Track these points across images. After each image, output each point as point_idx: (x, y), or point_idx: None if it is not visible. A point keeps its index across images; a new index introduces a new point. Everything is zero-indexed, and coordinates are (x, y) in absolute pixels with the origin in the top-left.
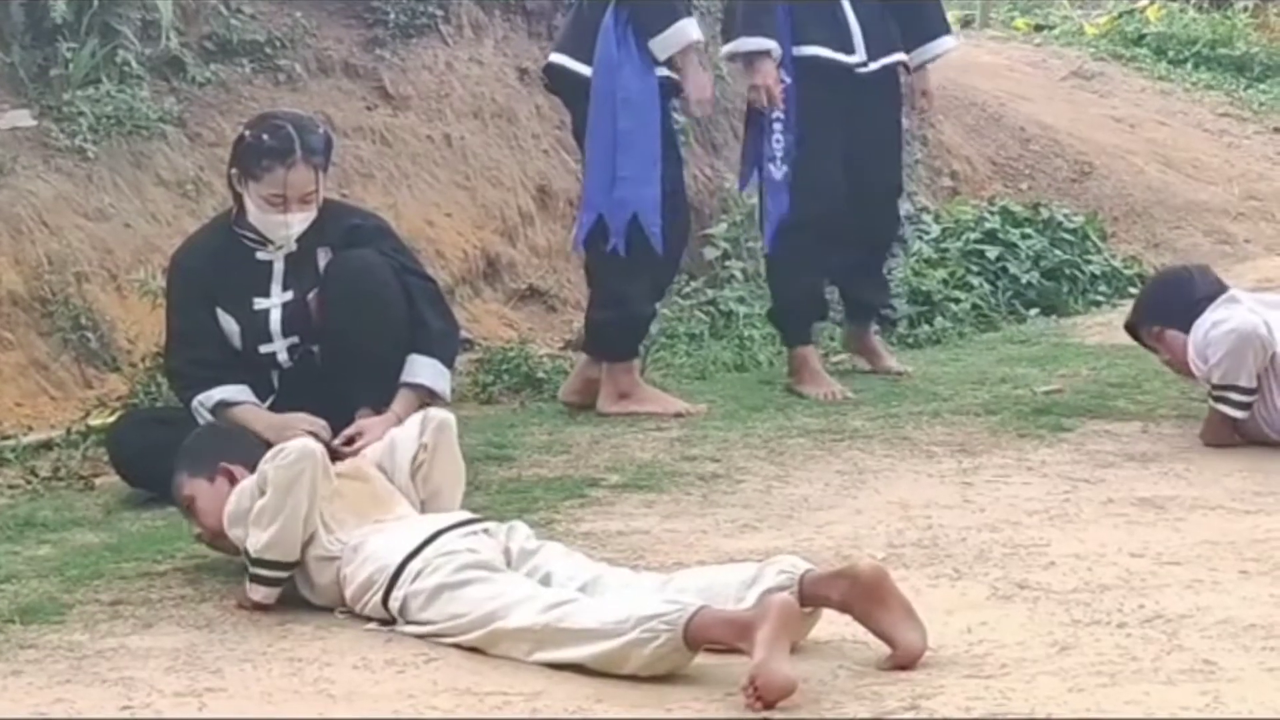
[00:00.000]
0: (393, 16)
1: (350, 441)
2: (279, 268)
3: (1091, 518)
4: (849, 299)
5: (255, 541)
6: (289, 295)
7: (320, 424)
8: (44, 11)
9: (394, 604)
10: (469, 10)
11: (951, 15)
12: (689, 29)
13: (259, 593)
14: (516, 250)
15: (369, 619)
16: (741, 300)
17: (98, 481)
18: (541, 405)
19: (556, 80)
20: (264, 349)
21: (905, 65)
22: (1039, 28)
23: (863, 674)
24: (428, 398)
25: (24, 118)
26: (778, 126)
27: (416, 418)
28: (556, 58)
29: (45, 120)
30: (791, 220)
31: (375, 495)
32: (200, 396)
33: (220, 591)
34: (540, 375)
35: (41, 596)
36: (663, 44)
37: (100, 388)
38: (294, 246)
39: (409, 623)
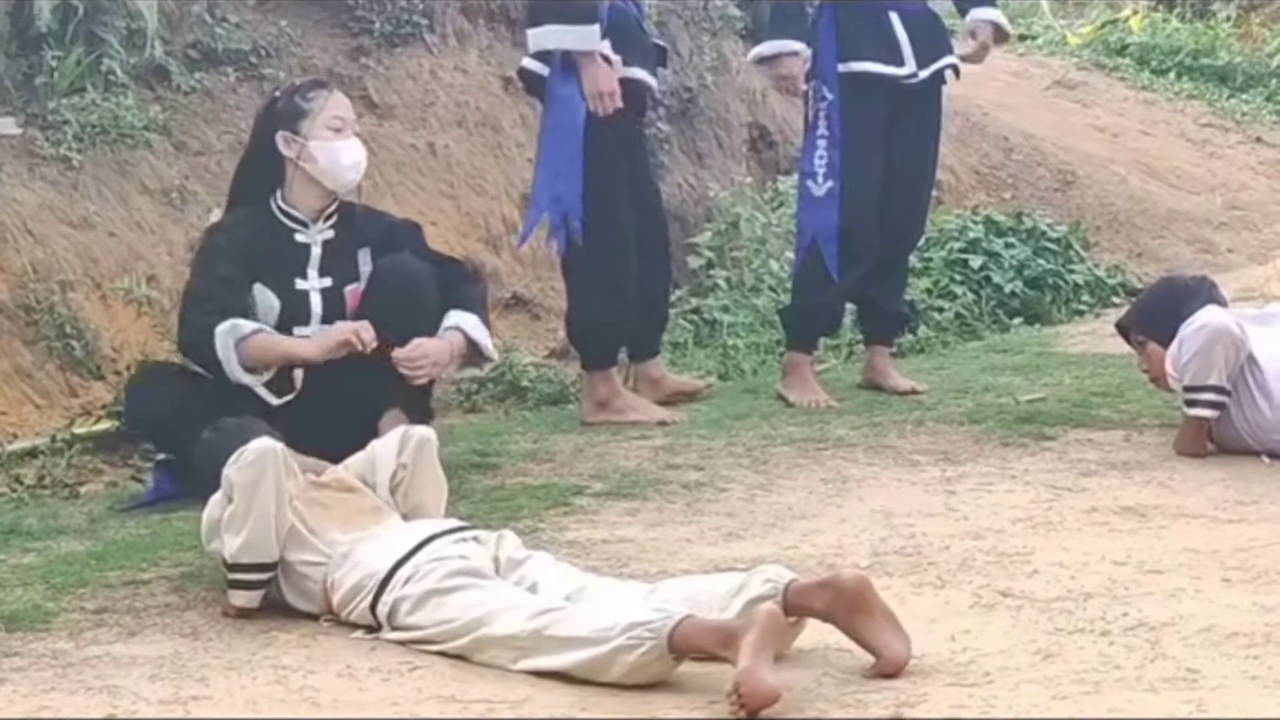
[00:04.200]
0: (377, 25)
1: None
2: (316, 252)
3: (1075, 526)
4: (865, 312)
5: (230, 547)
6: (327, 282)
7: (364, 324)
8: (29, 20)
9: (382, 609)
10: (453, 19)
11: None
12: (543, 37)
13: (240, 598)
14: (501, 259)
15: (355, 626)
16: (725, 309)
17: (83, 489)
18: (526, 414)
19: (529, 83)
20: (299, 331)
21: (955, 69)
22: (1022, 37)
23: (847, 682)
24: (471, 349)
25: (9, 126)
26: (822, 143)
27: (396, 434)
28: (526, 62)
29: (30, 128)
30: (832, 234)
31: (362, 507)
32: (226, 324)
33: (205, 599)
34: (524, 384)
35: (26, 604)
36: (534, 39)
37: (85, 396)
38: (331, 234)
39: (395, 628)
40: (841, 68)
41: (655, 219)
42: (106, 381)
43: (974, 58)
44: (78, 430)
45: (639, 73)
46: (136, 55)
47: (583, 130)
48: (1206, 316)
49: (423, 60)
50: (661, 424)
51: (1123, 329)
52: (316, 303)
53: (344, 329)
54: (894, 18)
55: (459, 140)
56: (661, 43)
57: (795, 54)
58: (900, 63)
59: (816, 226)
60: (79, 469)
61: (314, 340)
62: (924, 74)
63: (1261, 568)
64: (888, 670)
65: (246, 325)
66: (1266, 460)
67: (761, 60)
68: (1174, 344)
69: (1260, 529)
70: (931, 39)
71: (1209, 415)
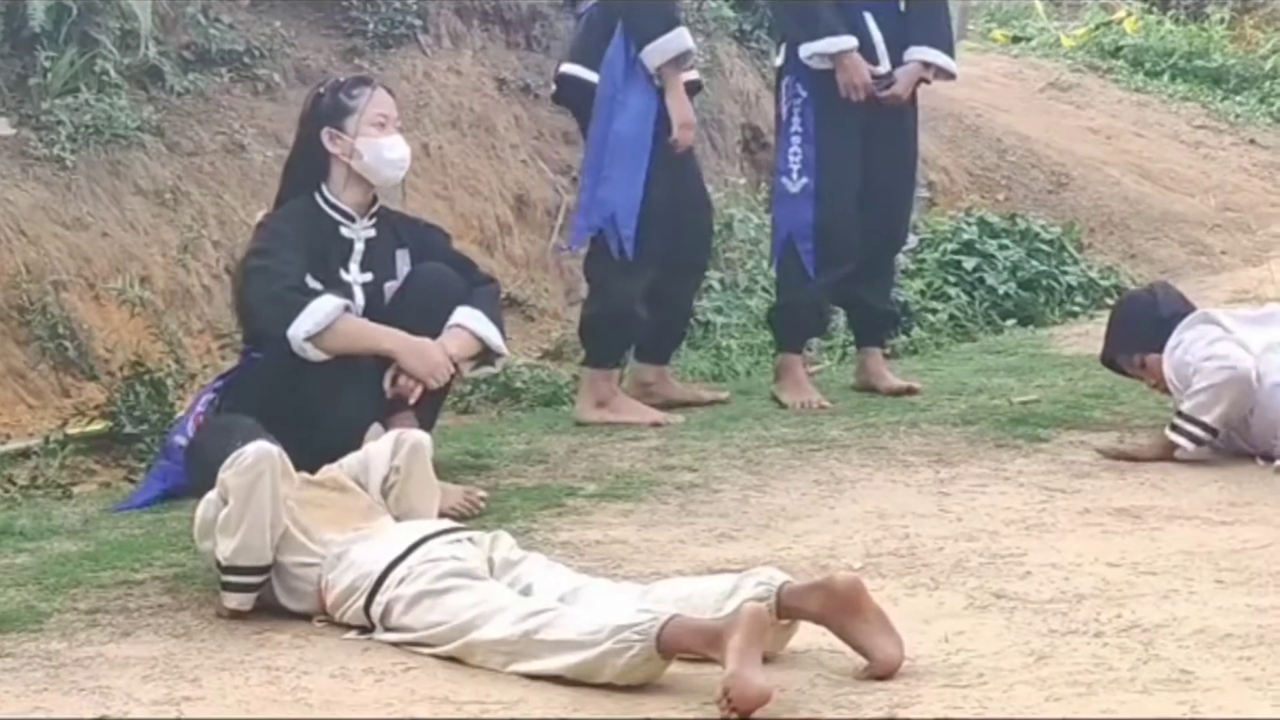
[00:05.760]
0: (371, 26)
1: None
2: (359, 248)
3: (1068, 527)
4: (854, 313)
5: (224, 549)
6: (368, 277)
7: (448, 366)
8: (23, 20)
9: (376, 610)
10: (448, 20)
11: None
12: (683, 37)
13: (233, 600)
14: (494, 260)
15: (349, 627)
16: (719, 310)
17: (76, 490)
18: (519, 415)
19: (568, 90)
20: None
21: (926, 68)
22: (1016, 39)
23: (840, 683)
24: (478, 343)
25: (2, 126)
26: (795, 139)
27: (390, 437)
28: (568, 68)
29: (24, 129)
30: (808, 230)
31: (356, 506)
32: (317, 302)
33: (198, 600)
34: (518, 385)
35: (19, 605)
36: (653, 53)
37: (78, 396)
38: (373, 232)
39: (389, 629)
40: (817, 63)
41: (697, 230)
42: (99, 382)
43: (891, 99)
44: (71, 431)
45: (693, 73)
46: (130, 56)
47: (651, 142)
48: (1234, 356)
49: (416, 61)
50: (655, 425)
51: (1111, 362)
52: (359, 296)
53: (446, 367)
54: (868, 17)
55: (453, 141)
56: None
57: (852, 51)
58: (875, 61)
59: (792, 224)
60: (72, 469)
61: (406, 349)
62: (899, 73)
63: (1255, 569)
64: (881, 672)
65: (336, 303)
66: (1260, 463)
67: (813, 57)
68: (1174, 356)
69: (1254, 531)
70: (904, 39)
71: (1188, 447)
